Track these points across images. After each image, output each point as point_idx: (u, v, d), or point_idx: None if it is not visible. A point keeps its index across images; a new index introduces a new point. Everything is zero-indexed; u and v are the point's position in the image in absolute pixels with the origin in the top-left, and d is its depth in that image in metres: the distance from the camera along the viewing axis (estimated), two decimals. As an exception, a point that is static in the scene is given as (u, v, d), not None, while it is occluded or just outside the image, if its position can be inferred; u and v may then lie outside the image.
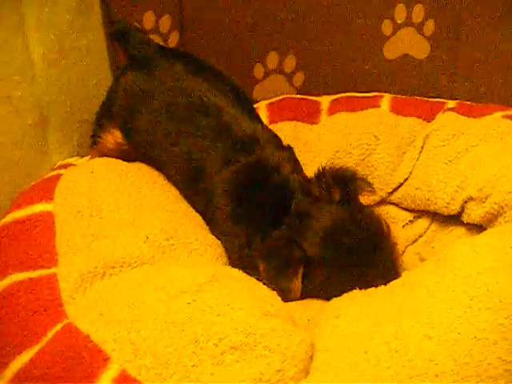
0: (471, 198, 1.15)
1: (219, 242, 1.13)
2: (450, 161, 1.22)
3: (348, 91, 1.49)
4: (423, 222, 1.28)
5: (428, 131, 1.29)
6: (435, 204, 1.21)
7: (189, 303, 0.85)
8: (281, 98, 1.49)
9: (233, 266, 1.10)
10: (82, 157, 1.35)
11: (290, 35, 1.53)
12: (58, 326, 0.89)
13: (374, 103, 1.40)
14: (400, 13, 1.52)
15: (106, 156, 1.27)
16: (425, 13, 1.52)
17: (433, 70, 1.55)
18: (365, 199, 1.21)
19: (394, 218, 1.30)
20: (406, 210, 1.30)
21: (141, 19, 1.42)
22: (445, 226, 1.25)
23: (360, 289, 0.98)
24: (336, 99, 1.45)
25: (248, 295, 0.89)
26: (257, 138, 1.16)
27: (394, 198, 1.30)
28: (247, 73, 1.56)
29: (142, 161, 1.25)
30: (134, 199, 1.12)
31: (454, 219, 1.21)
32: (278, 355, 0.80)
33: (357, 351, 0.81)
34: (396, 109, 1.37)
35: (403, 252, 1.27)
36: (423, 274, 0.92)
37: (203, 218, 1.17)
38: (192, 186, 1.18)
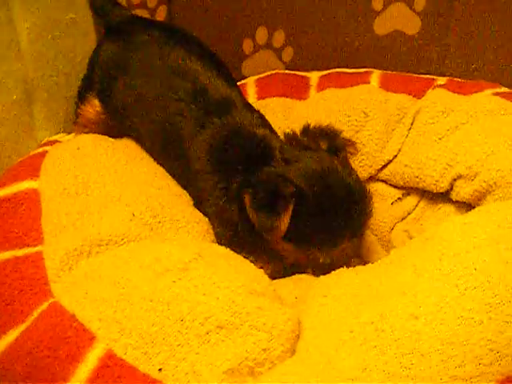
0: (460, 176, 1.15)
1: (206, 219, 1.13)
2: (439, 138, 1.22)
3: (338, 67, 1.47)
4: (412, 200, 1.28)
5: (418, 108, 1.28)
6: (424, 181, 1.21)
7: (174, 282, 0.85)
8: (269, 73, 1.48)
9: (219, 239, 1.10)
10: (69, 133, 1.33)
11: (279, 10, 1.51)
12: (44, 305, 0.89)
13: (364, 79, 1.39)
14: (391, -13, 1.51)
15: (89, 130, 1.27)
16: (416, -12, 1.51)
17: (424, 46, 1.54)
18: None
19: (383, 195, 1.29)
20: (395, 187, 1.29)
21: (128, -6, 1.40)
22: (433, 203, 1.25)
23: (337, 236, 1.02)
24: (325, 75, 1.44)
25: (234, 273, 0.89)
26: (233, 101, 1.16)
27: (382, 174, 1.29)
28: (236, 48, 1.55)
29: (120, 130, 1.25)
30: (121, 176, 1.11)
31: (443, 197, 1.21)
32: (264, 334, 0.80)
33: (343, 330, 0.81)
34: (386, 85, 1.36)
35: (392, 229, 1.27)
36: (410, 253, 0.92)
37: (180, 183, 1.17)
38: (169, 151, 1.18)
